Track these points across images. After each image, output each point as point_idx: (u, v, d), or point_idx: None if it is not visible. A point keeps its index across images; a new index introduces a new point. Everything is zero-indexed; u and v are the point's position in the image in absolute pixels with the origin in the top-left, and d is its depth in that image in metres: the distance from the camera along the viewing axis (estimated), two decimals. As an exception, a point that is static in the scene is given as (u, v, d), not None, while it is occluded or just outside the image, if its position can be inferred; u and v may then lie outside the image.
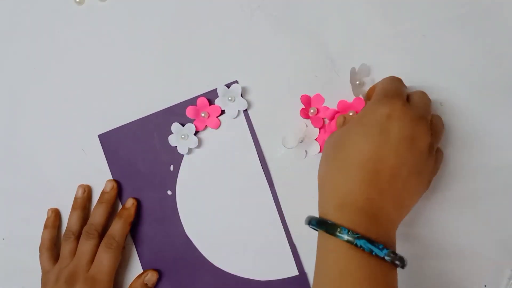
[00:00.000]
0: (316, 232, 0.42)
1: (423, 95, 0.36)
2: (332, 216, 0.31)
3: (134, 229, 0.45)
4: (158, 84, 0.44)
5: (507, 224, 0.40)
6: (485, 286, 0.40)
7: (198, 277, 0.44)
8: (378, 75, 0.41)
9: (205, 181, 0.44)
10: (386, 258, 0.29)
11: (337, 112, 0.41)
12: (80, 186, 0.45)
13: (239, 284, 0.43)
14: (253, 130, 0.43)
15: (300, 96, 0.41)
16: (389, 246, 0.30)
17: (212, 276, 0.43)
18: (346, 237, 0.29)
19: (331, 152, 0.33)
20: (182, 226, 0.44)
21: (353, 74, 0.39)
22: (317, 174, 0.41)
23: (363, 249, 0.29)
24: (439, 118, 0.37)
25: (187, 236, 0.44)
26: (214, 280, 0.43)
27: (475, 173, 0.40)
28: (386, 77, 0.37)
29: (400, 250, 0.40)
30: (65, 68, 0.46)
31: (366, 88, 0.41)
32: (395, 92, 0.34)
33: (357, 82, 0.40)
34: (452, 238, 0.40)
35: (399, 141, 0.31)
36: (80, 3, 0.46)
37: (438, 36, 0.41)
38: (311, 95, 0.41)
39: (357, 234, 0.29)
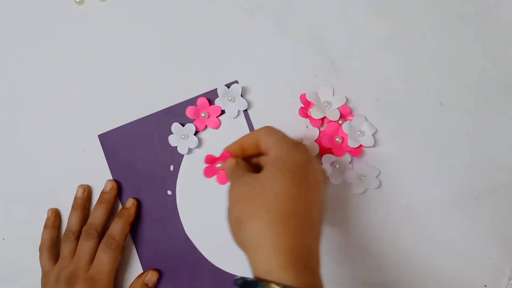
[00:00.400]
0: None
1: None
2: (280, 277, 0.27)
3: (134, 229, 0.45)
4: (158, 84, 0.44)
5: (507, 224, 0.40)
6: (485, 286, 0.40)
7: (198, 277, 0.44)
8: (378, 75, 0.41)
9: (205, 181, 0.44)
10: None
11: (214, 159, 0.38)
12: (80, 186, 0.45)
13: (239, 284, 0.43)
14: (253, 130, 0.43)
15: (299, 96, 0.41)
16: None
17: (212, 276, 0.43)
18: None
19: (260, 203, 0.30)
20: (182, 226, 0.44)
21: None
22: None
23: None
24: None
25: (187, 236, 0.44)
26: (214, 280, 0.43)
27: (475, 173, 0.40)
28: (264, 127, 0.36)
29: (401, 250, 0.40)
30: (65, 68, 0.46)
31: (333, 107, 0.41)
32: (293, 139, 0.35)
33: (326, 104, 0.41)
34: (452, 238, 0.40)
35: (319, 186, 0.32)
36: (80, 3, 0.46)
37: (438, 36, 0.41)
38: (311, 95, 0.41)
39: None
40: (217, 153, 0.43)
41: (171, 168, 0.44)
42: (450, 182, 0.40)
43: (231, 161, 0.36)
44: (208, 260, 0.44)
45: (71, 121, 0.46)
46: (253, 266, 0.29)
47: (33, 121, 0.47)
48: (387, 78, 0.41)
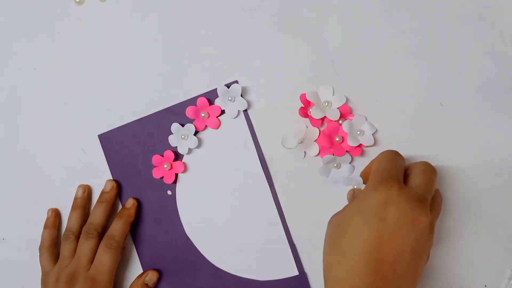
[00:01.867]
0: (316, 232, 0.42)
1: (424, 169, 0.35)
2: None
3: (134, 229, 0.45)
4: (158, 84, 0.44)
5: (507, 224, 0.40)
6: (485, 286, 0.40)
7: (198, 277, 0.44)
8: (378, 75, 0.41)
9: (205, 181, 0.44)
10: None
11: None
12: (80, 186, 0.45)
13: (239, 284, 0.43)
14: (253, 130, 0.43)
15: (299, 96, 0.41)
16: None
17: (212, 276, 0.43)
18: None
19: (334, 239, 0.33)
20: (182, 226, 0.44)
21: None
22: (316, 174, 0.41)
23: None
24: (438, 192, 0.37)
25: (187, 236, 0.44)
26: (214, 280, 0.43)
27: (475, 173, 0.40)
28: (383, 152, 0.36)
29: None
30: (65, 68, 0.46)
31: (334, 106, 0.41)
32: (390, 174, 0.33)
33: (326, 104, 0.41)
34: (452, 238, 0.40)
35: (398, 227, 0.31)
36: (80, 3, 0.46)
37: (438, 36, 0.41)
38: (311, 95, 0.41)
39: None
40: (217, 153, 0.43)
41: (171, 168, 0.44)
42: (450, 182, 0.40)
43: (349, 193, 0.40)
44: (208, 260, 0.44)
45: (71, 121, 0.46)
46: None
47: (33, 121, 0.47)
48: (387, 78, 0.41)
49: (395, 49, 0.41)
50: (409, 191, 0.32)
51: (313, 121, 0.41)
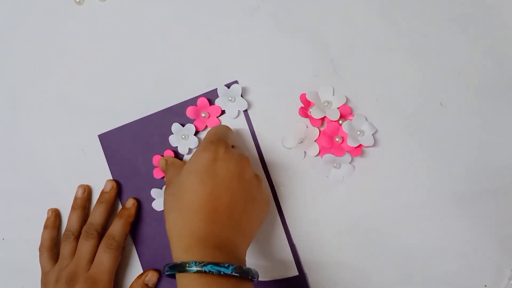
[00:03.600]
0: (316, 233, 0.42)
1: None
2: (182, 258, 0.33)
3: (134, 229, 0.45)
4: (158, 84, 0.44)
5: (507, 224, 0.40)
6: (485, 286, 0.40)
7: (198, 277, 0.44)
8: (378, 75, 0.41)
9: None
10: (234, 273, 0.31)
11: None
12: (80, 186, 0.45)
13: (239, 284, 0.43)
14: (253, 130, 0.43)
15: (299, 96, 0.41)
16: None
17: (212, 276, 0.43)
18: (195, 268, 0.31)
19: (172, 204, 0.36)
20: (182, 226, 0.44)
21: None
22: (316, 174, 0.42)
23: (213, 273, 0.31)
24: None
25: (187, 236, 0.44)
26: (214, 280, 0.43)
27: (475, 173, 0.40)
28: (212, 128, 0.41)
29: (400, 250, 0.40)
30: (65, 68, 0.46)
31: (334, 106, 0.41)
32: (217, 137, 0.38)
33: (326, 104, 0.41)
34: (452, 238, 0.40)
35: (228, 179, 0.35)
36: (80, 3, 0.46)
37: (438, 36, 0.41)
38: (311, 95, 0.41)
39: (203, 262, 0.31)
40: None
41: (171, 168, 0.44)
42: (450, 182, 0.40)
43: (161, 161, 0.42)
44: (208, 260, 0.44)
45: (71, 121, 0.46)
46: (172, 251, 0.34)
47: (33, 121, 0.47)
48: (387, 78, 0.41)
49: (395, 49, 0.41)
50: (234, 150, 0.37)
51: (313, 121, 0.41)
